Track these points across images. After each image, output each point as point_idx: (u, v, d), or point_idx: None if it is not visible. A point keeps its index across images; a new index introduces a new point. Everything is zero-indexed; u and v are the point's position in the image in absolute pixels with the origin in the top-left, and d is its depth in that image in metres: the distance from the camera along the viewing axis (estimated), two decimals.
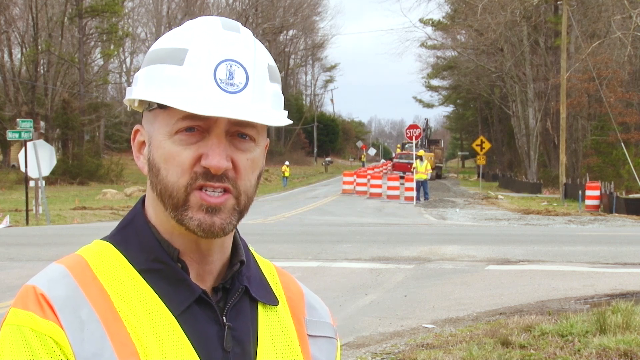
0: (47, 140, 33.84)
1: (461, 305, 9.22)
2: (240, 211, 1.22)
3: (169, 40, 1.23)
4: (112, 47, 56.97)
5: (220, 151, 1.17)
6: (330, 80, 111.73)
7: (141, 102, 1.26)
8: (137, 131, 1.29)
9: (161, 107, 1.20)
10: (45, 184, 25.29)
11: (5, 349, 1.13)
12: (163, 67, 1.21)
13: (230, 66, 1.19)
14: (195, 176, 1.18)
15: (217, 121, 1.17)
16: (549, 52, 48.92)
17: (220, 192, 1.19)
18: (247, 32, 1.25)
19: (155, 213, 1.26)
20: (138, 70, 1.28)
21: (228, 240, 1.28)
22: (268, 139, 1.31)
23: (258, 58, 1.22)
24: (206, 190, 1.19)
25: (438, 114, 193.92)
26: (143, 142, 1.27)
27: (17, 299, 1.18)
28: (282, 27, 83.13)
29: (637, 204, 25.60)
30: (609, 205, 26.71)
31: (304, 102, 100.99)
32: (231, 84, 1.18)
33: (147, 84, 1.22)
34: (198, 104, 1.15)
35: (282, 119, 1.23)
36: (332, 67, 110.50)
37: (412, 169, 33.72)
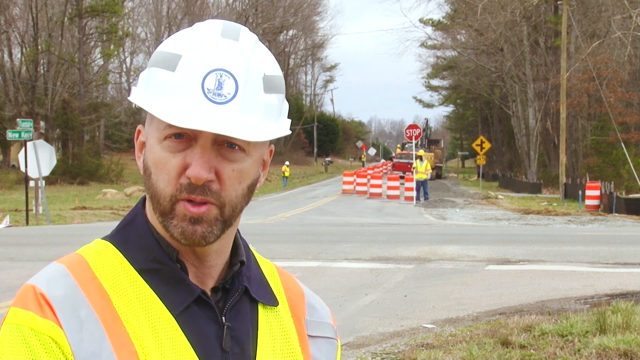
0: (47, 140, 33.83)
1: (461, 305, 9.22)
2: (225, 221, 1.21)
3: (170, 43, 1.23)
4: (112, 47, 56.96)
5: (202, 162, 1.16)
6: (330, 80, 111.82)
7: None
8: (139, 131, 1.29)
9: None
10: (45, 184, 25.28)
11: (4, 348, 1.13)
12: (158, 72, 1.20)
13: (220, 76, 1.17)
14: (180, 188, 1.18)
15: (203, 131, 1.16)
16: (549, 52, 48.92)
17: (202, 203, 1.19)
18: (247, 40, 1.23)
19: (151, 214, 1.26)
20: (138, 70, 1.28)
21: (226, 245, 1.27)
22: (272, 145, 1.30)
23: (252, 67, 1.20)
24: (189, 202, 1.18)
25: (438, 114, 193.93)
26: (143, 143, 1.27)
27: (17, 299, 1.18)
28: (282, 27, 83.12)
29: (637, 204, 25.59)
30: (609, 205, 26.71)
31: (304, 102, 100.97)
32: (219, 94, 1.16)
33: (144, 87, 1.23)
34: (179, 114, 1.14)
35: (268, 133, 1.20)
36: (332, 67, 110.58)
37: (412, 169, 33.72)
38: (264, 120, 1.20)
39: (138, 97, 1.22)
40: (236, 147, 1.19)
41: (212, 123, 1.14)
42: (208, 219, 1.19)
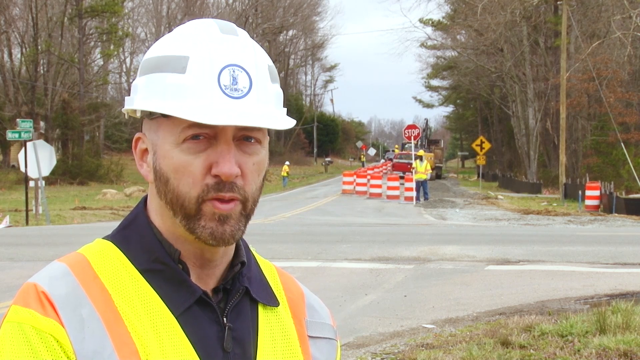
0: (47, 140, 33.85)
1: (461, 305, 9.23)
2: (247, 215, 1.22)
3: (167, 47, 1.22)
4: (112, 47, 56.99)
5: (230, 158, 1.17)
6: (330, 80, 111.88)
7: (142, 110, 1.24)
8: (138, 139, 1.27)
9: (164, 115, 1.19)
10: (45, 184, 25.29)
11: (5, 346, 1.13)
12: (164, 76, 1.19)
13: (233, 71, 1.18)
14: (207, 189, 1.18)
15: (225, 128, 1.17)
16: (549, 52, 48.93)
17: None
18: (244, 34, 1.24)
19: (161, 218, 1.25)
20: (137, 71, 1.27)
21: (232, 246, 1.28)
22: (267, 137, 1.31)
23: (259, 60, 1.22)
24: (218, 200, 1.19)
25: (438, 114, 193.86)
26: (145, 150, 1.26)
27: (18, 297, 1.18)
28: (282, 27, 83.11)
29: (637, 204, 25.59)
30: (609, 205, 26.71)
31: (304, 102, 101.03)
32: (235, 89, 1.17)
33: (149, 93, 1.21)
34: (205, 113, 1.14)
35: (288, 121, 1.22)
36: (332, 67, 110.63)
37: (411, 169, 33.73)
38: (277, 109, 1.23)
39: (145, 103, 1.21)
40: (253, 140, 1.20)
41: (240, 117, 1.15)
42: (235, 215, 1.20)
